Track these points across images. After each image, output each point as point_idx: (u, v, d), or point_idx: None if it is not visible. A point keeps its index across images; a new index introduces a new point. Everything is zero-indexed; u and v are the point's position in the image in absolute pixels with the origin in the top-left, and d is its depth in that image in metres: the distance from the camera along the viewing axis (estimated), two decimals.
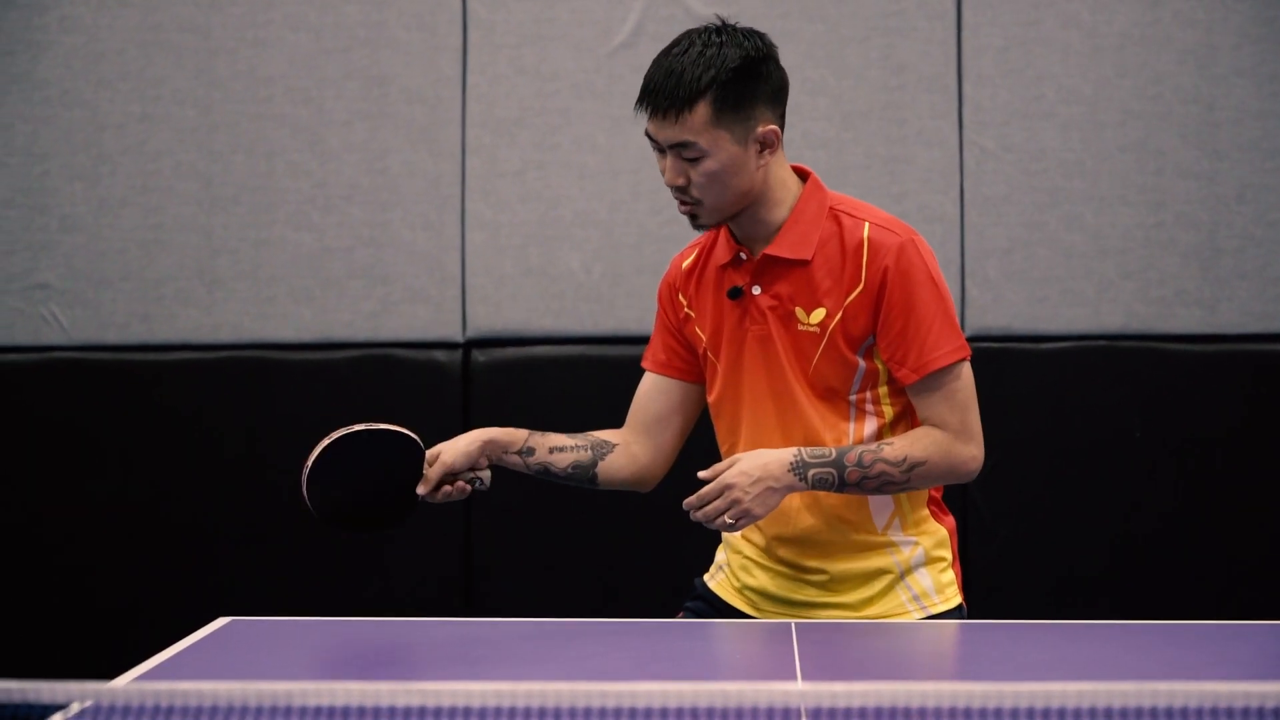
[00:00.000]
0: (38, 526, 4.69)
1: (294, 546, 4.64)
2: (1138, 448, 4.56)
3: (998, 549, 4.55)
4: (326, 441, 2.88)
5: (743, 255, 2.99)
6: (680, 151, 2.86)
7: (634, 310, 4.61)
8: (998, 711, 1.89)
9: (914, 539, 3.01)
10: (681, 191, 2.89)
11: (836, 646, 2.71)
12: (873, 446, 2.90)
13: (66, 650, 4.66)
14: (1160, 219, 4.63)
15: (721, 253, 3.03)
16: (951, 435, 2.92)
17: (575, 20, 4.71)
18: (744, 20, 4.32)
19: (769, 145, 2.91)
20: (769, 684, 1.78)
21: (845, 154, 4.64)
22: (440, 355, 4.66)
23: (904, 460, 2.89)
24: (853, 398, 2.96)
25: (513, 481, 3.16)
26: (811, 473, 2.86)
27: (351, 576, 4.64)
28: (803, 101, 4.59)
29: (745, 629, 2.90)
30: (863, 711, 1.95)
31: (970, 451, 2.93)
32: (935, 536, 3.04)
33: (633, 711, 1.94)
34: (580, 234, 4.70)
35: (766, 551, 3.06)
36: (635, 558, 4.56)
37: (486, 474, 3.00)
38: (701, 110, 2.84)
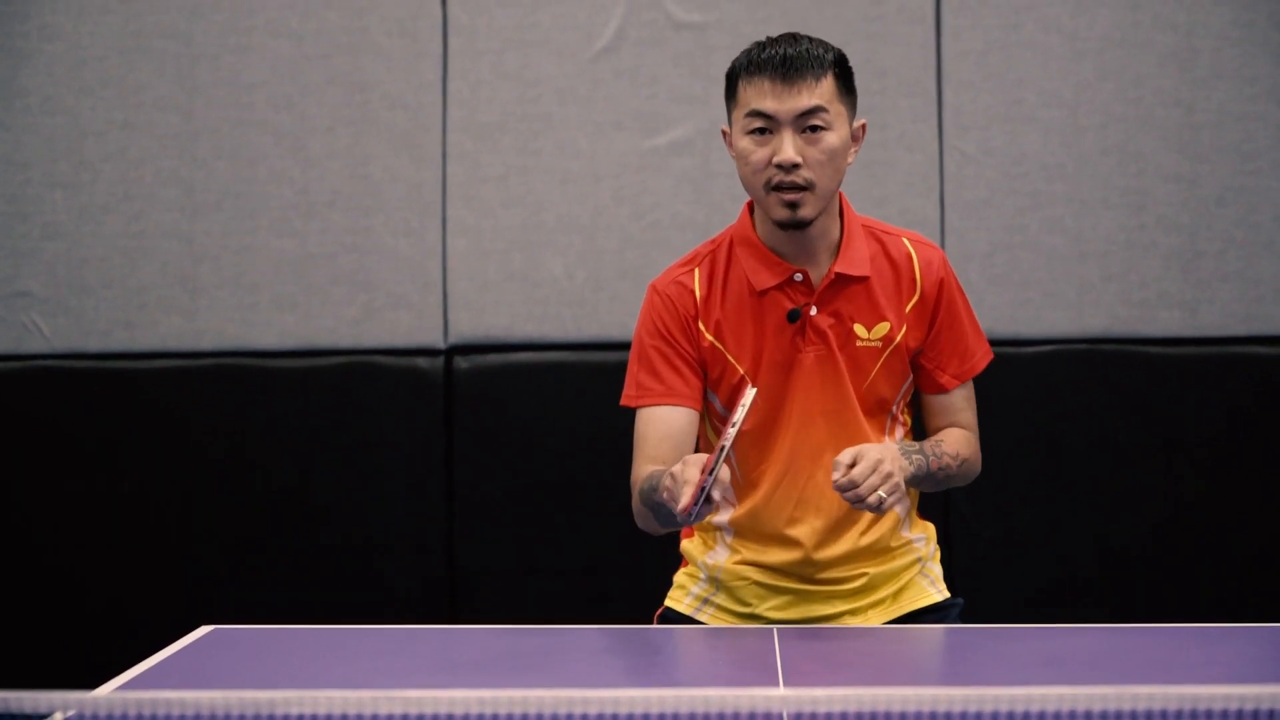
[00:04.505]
0: (20, 536, 4.67)
1: (278, 553, 4.64)
2: (1120, 451, 4.57)
3: (981, 552, 4.55)
4: None
5: (798, 276, 2.94)
6: (805, 122, 2.84)
7: (617, 316, 4.60)
8: (979, 715, 1.89)
9: (922, 535, 3.12)
10: (794, 170, 2.83)
11: (819, 652, 2.71)
12: (929, 443, 2.98)
13: (49, 658, 4.65)
14: (1141, 222, 4.63)
15: (762, 276, 2.94)
16: (976, 436, 3.07)
17: (556, 25, 4.71)
18: (725, 25, 4.32)
19: (856, 139, 2.93)
20: (751, 690, 1.78)
21: None
22: (422, 362, 4.65)
23: (957, 455, 2.99)
24: (894, 409, 3.02)
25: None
26: (914, 457, 2.91)
27: (336, 582, 4.63)
28: None
29: (728, 635, 2.90)
30: (844, 716, 1.96)
31: (979, 452, 3.09)
32: (929, 533, 3.15)
33: (615, 717, 1.94)
34: (563, 239, 4.69)
35: (799, 576, 3.02)
36: (621, 562, 4.55)
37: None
38: (830, 80, 2.86)
